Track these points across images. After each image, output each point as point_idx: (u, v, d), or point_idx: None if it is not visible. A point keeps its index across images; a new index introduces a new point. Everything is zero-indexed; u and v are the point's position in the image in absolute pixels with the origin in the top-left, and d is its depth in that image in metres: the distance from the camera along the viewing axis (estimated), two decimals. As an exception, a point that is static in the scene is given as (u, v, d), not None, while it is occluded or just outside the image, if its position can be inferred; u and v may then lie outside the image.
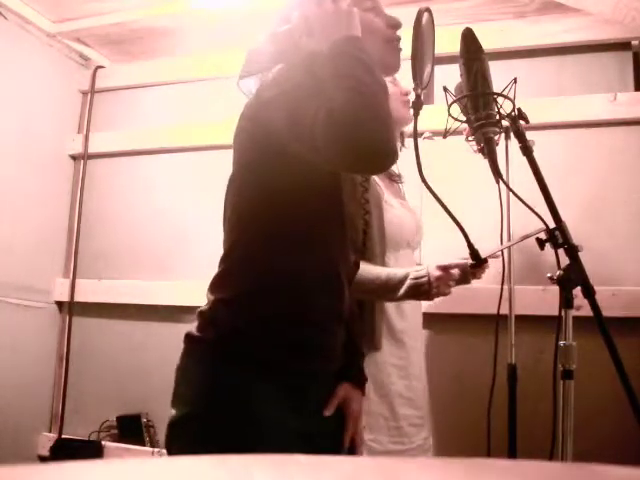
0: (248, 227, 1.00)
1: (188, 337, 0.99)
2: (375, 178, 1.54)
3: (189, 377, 0.96)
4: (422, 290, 1.39)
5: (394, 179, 1.71)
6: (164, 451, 2.47)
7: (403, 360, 1.52)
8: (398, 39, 1.08)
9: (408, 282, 1.39)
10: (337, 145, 0.85)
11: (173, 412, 0.94)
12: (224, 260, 1.01)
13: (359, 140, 0.84)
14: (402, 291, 1.39)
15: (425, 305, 1.75)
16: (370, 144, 0.84)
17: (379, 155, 0.87)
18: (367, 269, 1.41)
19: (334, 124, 0.84)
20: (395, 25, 1.08)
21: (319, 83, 0.92)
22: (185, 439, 0.93)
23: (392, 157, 0.88)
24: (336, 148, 0.86)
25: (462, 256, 1.36)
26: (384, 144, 0.86)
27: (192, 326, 1.00)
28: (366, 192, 1.43)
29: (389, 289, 1.40)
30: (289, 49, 1.03)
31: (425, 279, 1.39)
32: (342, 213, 1.03)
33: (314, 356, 1.00)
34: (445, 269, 1.39)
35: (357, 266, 1.22)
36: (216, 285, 1.00)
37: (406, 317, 1.55)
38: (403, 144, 1.73)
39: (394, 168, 1.70)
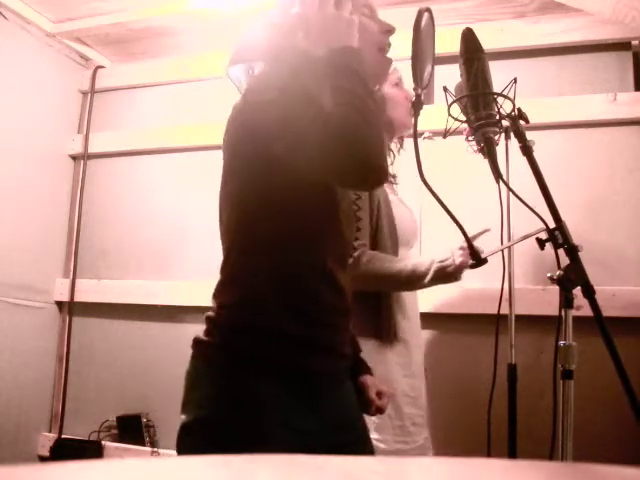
0: (244, 232, 0.99)
1: (196, 342, 0.98)
2: None
3: (199, 381, 0.95)
4: (448, 272, 1.45)
5: (390, 179, 1.71)
6: (164, 451, 2.46)
7: (406, 359, 1.52)
8: (389, 45, 1.08)
9: (435, 266, 1.45)
10: (332, 161, 0.87)
11: (183, 417, 0.93)
12: (224, 267, 1.01)
13: (354, 158, 0.85)
14: (430, 276, 1.45)
15: (425, 305, 1.75)
16: (364, 163, 0.86)
17: (372, 174, 0.89)
18: (389, 263, 1.46)
19: (330, 141, 0.85)
20: (389, 31, 1.07)
21: (311, 90, 0.92)
22: (197, 443, 0.91)
23: (384, 176, 0.91)
24: (330, 164, 0.87)
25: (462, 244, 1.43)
26: (377, 164, 0.88)
27: (200, 331, 0.99)
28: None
29: (417, 277, 1.46)
30: (283, 45, 1.02)
31: (450, 260, 1.45)
32: (337, 209, 1.02)
33: (324, 354, 0.99)
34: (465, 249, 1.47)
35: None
36: (219, 292, 1.00)
37: (408, 316, 1.55)
38: (402, 146, 1.74)
39: (389, 168, 1.71)
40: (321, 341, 0.98)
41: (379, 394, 1.15)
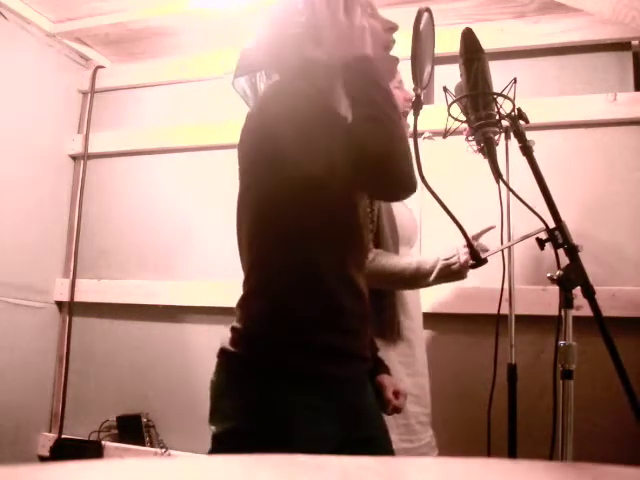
0: (262, 238, 0.98)
1: (223, 352, 0.98)
2: None
3: (223, 391, 0.96)
4: (453, 270, 1.45)
5: None
6: (164, 451, 2.45)
7: (409, 357, 1.52)
8: (393, 42, 1.08)
9: (440, 264, 1.45)
10: (366, 176, 0.88)
11: (214, 428, 0.94)
12: (246, 280, 1.00)
13: (392, 173, 0.88)
14: (435, 274, 1.45)
15: (424, 305, 1.75)
16: (400, 176, 0.89)
17: (406, 185, 0.91)
18: (394, 261, 1.46)
19: (361, 155, 0.86)
20: (392, 28, 1.07)
21: (327, 100, 0.92)
22: (227, 453, 0.91)
23: (415, 186, 0.92)
24: (364, 178, 0.89)
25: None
26: (410, 175, 0.90)
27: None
28: None
29: (422, 275, 1.46)
30: (291, 54, 1.01)
31: (455, 258, 1.45)
32: (356, 212, 1.02)
33: (346, 360, 0.99)
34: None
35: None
36: (243, 303, 1.00)
37: (410, 315, 1.55)
38: None
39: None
40: (343, 348, 0.98)
41: (396, 393, 1.16)
